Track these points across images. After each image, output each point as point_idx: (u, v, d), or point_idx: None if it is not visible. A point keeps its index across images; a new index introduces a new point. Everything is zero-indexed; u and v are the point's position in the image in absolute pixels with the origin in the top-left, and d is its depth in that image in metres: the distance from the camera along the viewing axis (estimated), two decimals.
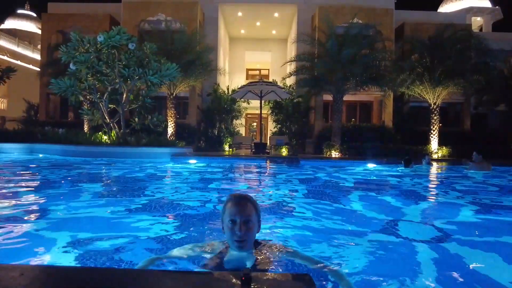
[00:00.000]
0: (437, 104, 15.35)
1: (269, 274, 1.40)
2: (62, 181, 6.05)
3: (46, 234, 2.59)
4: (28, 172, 7.58)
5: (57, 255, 2.11)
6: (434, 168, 10.46)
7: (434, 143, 15.41)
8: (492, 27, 29.86)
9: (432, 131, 15.49)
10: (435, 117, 15.46)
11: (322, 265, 1.71)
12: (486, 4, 29.73)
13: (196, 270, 1.70)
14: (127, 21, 17.28)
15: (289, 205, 4.10)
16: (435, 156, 14.88)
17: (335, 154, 14.23)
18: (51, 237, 2.51)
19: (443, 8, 30.76)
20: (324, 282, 1.62)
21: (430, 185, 7.07)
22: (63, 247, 2.23)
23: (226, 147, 17.43)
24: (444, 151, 15.54)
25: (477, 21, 29.58)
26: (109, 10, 18.90)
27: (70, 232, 2.58)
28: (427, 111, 16.02)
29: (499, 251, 2.39)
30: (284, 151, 16.14)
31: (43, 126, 15.15)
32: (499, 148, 16.29)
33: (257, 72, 26.23)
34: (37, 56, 29.51)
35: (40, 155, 11.44)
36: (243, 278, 0.99)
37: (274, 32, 22.84)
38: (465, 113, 19.23)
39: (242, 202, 1.73)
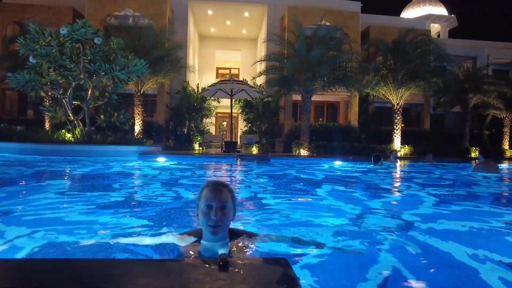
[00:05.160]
0: (400, 104, 16.13)
1: (247, 259, 1.43)
2: (22, 180, 5.73)
3: (4, 233, 2.46)
4: None
5: (18, 253, 2.02)
6: (399, 165, 11.00)
7: (397, 142, 16.18)
8: (448, 33, 31.80)
9: (395, 131, 16.26)
10: (398, 117, 16.24)
11: (296, 239, 1.76)
12: (443, 12, 31.62)
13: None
14: (92, 15, 16.60)
15: (259, 200, 4.17)
16: (398, 154, 15.64)
17: (303, 152, 14.54)
18: (11, 235, 2.38)
19: (405, 14, 32.33)
20: (300, 264, 1.68)
21: (397, 180, 7.43)
22: (25, 245, 2.13)
23: (196, 146, 17.25)
24: (406, 149, 16.39)
25: (435, 28, 31.35)
26: (72, 3, 18.01)
27: (31, 230, 2.46)
28: (391, 111, 16.79)
29: (459, 237, 2.59)
30: (255, 150, 16.25)
31: None
32: (454, 147, 17.44)
33: (227, 71, 26.16)
34: None
35: None
36: (221, 263, 0.97)
37: (244, 31, 22.88)
38: (425, 114, 20.35)
39: (219, 188, 1.72)
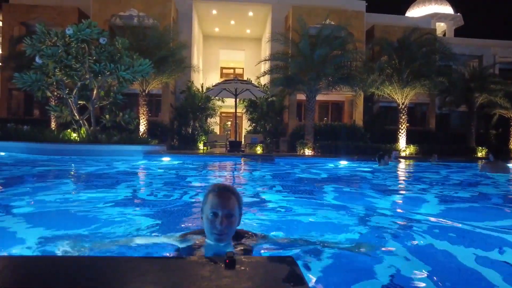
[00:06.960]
0: (405, 104, 16.02)
1: (252, 257, 1.42)
2: (26, 179, 5.78)
3: (11, 230, 2.48)
4: None
5: (23, 251, 2.03)
6: (403, 164, 10.93)
7: (402, 142, 16.07)
8: (454, 32, 31.51)
9: (400, 130, 16.16)
10: (403, 117, 16.14)
11: (301, 240, 1.73)
12: (449, 11, 31.34)
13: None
14: (96, 15, 16.69)
15: (264, 199, 4.16)
16: (403, 154, 15.55)
17: (308, 152, 14.50)
18: (17, 233, 2.40)
19: (410, 13, 32.07)
20: (307, 264, 1.67)
21: (400, 179, 7.39)
22: (30, 243, 2.14)
23: (200, 146, 17.29)
24: (412, 149, 16.28)
25: (440, 27, 31.08)
26: (77, 3, 18.14)
27: (37, 228, 2.48)
28: (396, 111, 16.68)
29: (465, 237, 2.57)
30: (259, 149, 16.24)
31: (4, 123, 14.32)
32: (460, 147, 17.30)
33: (232, 70, 26.17)
34: None
35: (2, 153, 10.83)
36: (227, 261, 0.98)
37: (248, 31, 22.87)
38: (431, 113, 20.20)
39: (226, 195, 1.64)
